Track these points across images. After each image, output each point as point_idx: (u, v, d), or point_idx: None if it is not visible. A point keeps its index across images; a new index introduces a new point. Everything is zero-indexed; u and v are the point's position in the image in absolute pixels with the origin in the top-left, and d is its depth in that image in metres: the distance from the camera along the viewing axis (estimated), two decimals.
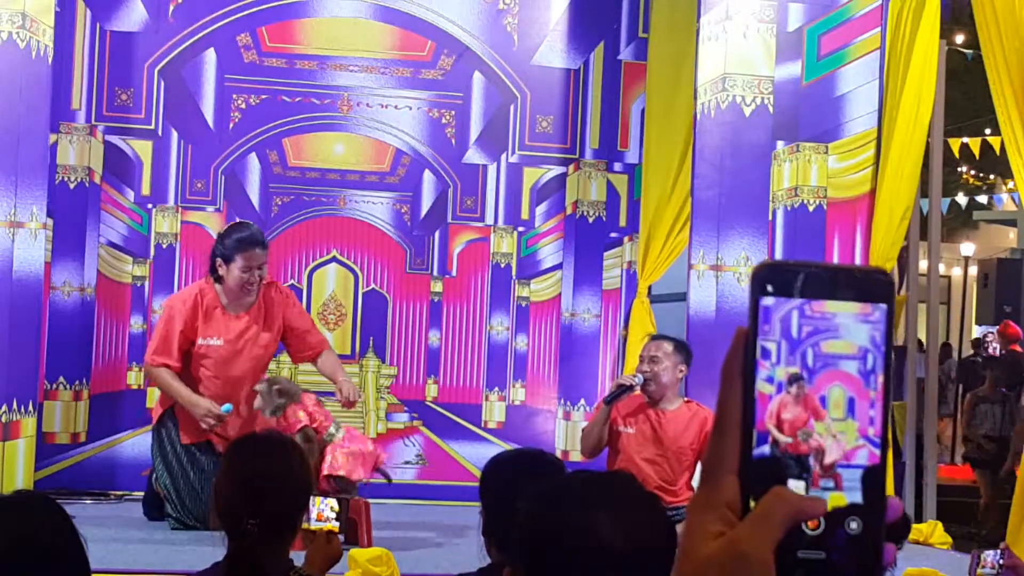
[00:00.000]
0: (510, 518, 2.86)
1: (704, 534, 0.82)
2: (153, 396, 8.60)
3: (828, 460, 0.83)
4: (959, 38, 12.82)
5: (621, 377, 6.05)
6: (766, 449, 0.84)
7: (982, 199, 17.36)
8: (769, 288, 0.85)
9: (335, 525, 3.56)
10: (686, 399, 6.16)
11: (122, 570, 5.47)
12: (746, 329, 0.85)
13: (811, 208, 7.79)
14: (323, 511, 3.59)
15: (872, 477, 0.84)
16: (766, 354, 0.85)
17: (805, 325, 0.85)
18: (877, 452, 0.84)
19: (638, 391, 5.90)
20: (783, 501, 0.81)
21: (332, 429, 6.53)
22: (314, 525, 3.42)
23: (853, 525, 0.82)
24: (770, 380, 0.85)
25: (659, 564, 1.58)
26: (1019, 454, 7.30)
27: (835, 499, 0.83)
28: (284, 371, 8.75)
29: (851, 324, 0.84)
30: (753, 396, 0.84)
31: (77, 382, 8.39)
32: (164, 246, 8.71)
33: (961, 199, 16.16)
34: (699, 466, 5.88)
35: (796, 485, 0.83)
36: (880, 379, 0.84)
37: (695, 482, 6.00)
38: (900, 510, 0.84)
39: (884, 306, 0.85)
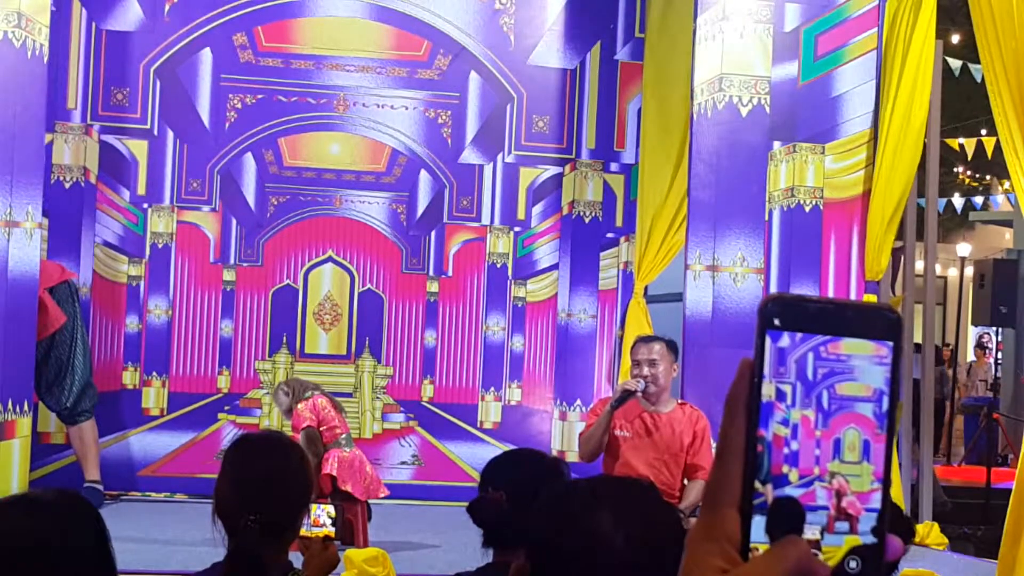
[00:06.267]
0: (510, 518, 2.87)
1: (705, 568, 0.82)
2: (148, 396, 8.61)
3: (844, 503, 0.83)
4: (955, 38, 12.82)
5: (626, 383, 6.01)
6: (784, 492, 0.83)
7: (978, 200, 17.37)
8: (776, 322, 0.84)
9: (331, 531, 3.55)
10: (680, 401, 6.14)
11: (121, 570, 5.45)
12: (751, 361, 0.84)
13: (807, 208, 7.79)
14: (319, 517, 3.58)
15: (883, 518, 0.83)
16: (781, 396, 0.83)
17: (820, 367, 0.83)
18: (884, 491, 0.84)
19: (639, 395, 5.88)
20: (797, 551, 0.81)
21: (343, 439, 6.53)
22: (311, 531, 3.41)
23: (852, 564, 0.82)
24: (785, 422, 0.83)
25: (666, 565, 1.58)
26: None
27: (850, 541, 0.83)
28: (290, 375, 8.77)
29: (867, 366, 0.83)
30: (756, 428, 0.83)
31: None
32: (160, 246, 8.70)
33: (957, 200, 16.18)
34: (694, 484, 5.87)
35: (812, 529, 0.83)
36: (887, 420, 0.84)
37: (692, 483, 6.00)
38: (900, 551, 0.84)
39: (891, 344, 0.84)
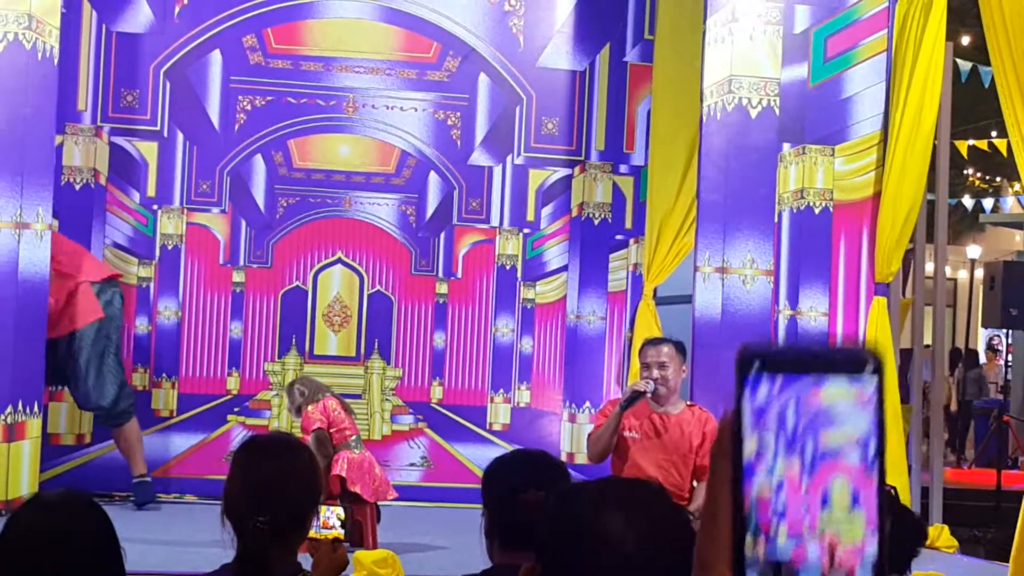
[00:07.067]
0: (512, 519, 2.85)
1: None
2: (158, 397, 8.62)
3: (838, 558, 0.82)
4: (965, 40, 12.80)
5: (635, 384, 6.01)
6: (776, 549, 0.82)
7: (988, 202, 17.34)
8: (755, 366, 0.83)
9: (340, 533, 3.55)
10: (689, 402, 6.13)
11: (130, 570, 5.45)
12: (731, 413, 0.83)
13: (817, 210, 7.78)
14: (329, 519, 3.58)
15: (880, 566, 0.82)
16: (764, 449, 0.82)
17: (802, 417, 0.82)
18: (880, 535, 0.82)
19: (649, 396, 5.87)
20: None
21: (353, 441, 6.53)
22: (320, 533, 3.41)
23: None
24: (770, 476, 0.82)
25: (674, 566, 1.58)
26: None
27: None
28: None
29: (850, 411, 0.82)
30: (742, 480, 0.82)
31: None
32: (169, 247, 8.71)
33: (968, 201, 16.14)
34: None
35: None
36: (877, 461, 0.83)
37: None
38: None
39: (874, 383, 0.83)
